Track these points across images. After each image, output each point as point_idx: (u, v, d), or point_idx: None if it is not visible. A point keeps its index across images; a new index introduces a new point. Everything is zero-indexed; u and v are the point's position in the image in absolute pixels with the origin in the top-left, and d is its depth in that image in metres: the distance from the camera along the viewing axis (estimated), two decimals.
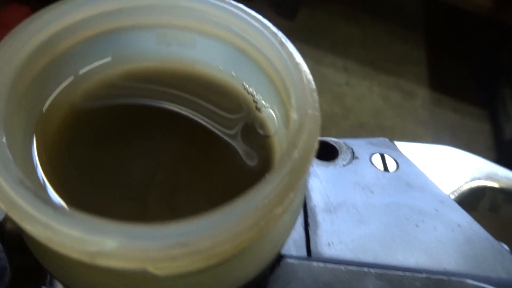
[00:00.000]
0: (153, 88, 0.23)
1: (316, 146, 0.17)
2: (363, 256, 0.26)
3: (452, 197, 0.34)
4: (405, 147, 0.36)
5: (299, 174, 0.16)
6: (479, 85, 1.54)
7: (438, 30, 1.70)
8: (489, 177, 0.36)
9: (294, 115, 0.18)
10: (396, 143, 0.36)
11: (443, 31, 1.70)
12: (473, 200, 0.36)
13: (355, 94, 1.44)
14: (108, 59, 0.22)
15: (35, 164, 0.18)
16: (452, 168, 0.36)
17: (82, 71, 0.22)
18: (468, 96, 1.51)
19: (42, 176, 0.18)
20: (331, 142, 0.34)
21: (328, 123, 1.33)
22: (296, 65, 0.19)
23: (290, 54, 0.19)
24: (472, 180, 0.35)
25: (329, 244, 0.27)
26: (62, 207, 0.14)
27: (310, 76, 0.19)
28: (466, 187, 0.35)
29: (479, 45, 1.59)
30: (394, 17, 1.68)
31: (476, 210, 0.36)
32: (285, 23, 1.52)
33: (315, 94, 0.19)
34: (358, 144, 0.34)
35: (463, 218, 0.30)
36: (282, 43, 0.19)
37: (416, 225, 0.29)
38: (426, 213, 0.30)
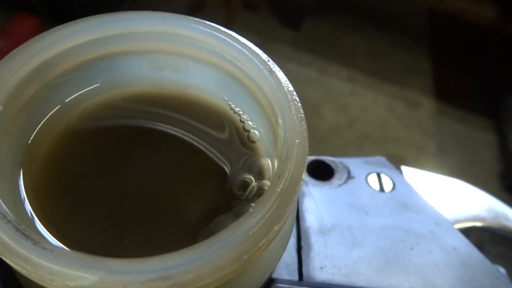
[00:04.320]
0: (143, 110, 0.23)
1: (303, 176, 0.17)
2: (356, 280, 0.26)
3: None
4: (414, 174, 0.35)
5: (285, 206, 0.16)
6: (485, 96, 1.53)
7: (443, 41, 1.70)
8: (481, 219, 0.35)
9: (281, 145, 0.18)
10: (403, 168, 0.35)
11: (448, 41, 1.70)
12: None
13: (360, 104, 1.43)
14: (97, 85, 0.22)
15: (22, 196, 0.18)
16: (451, 203, 0.35)
17: (70, 98, 0.22)
18: (474, 107, 1.50)
19: (29, 209, 0.18)
20: (327, 161, 0.34)
21: (333, 133, 1.33)
22: (285, 94, 0.19)
23: (279, 83, 0.19)
24: (466, 220, 0.34)
25: (321, 268, 0.26)
26: (42, 241, 0.14)
27: (299, 105, 0.19)
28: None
29: (484, 56, 1.59)
30: (399, 27, 1.68)
31: None
32: (290, 33, 1.53)
33: (304, 123, 0.18)
34: (354, 163, 0.34)
35: (459, 240, 0.29)
36: (271, 71, 0.19)
37: (411, 248, 0.28)
38: (422, 236, 0.29)
